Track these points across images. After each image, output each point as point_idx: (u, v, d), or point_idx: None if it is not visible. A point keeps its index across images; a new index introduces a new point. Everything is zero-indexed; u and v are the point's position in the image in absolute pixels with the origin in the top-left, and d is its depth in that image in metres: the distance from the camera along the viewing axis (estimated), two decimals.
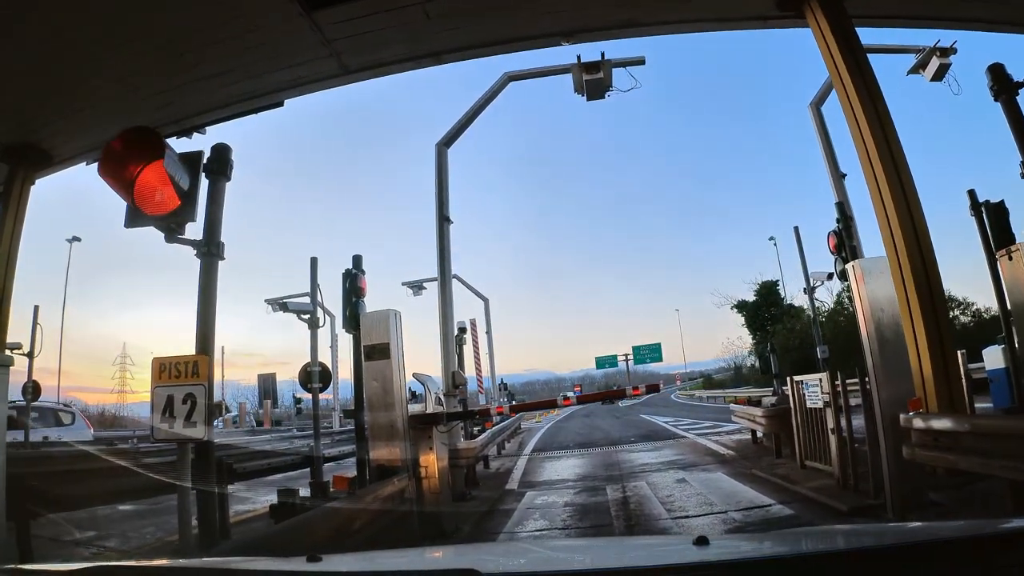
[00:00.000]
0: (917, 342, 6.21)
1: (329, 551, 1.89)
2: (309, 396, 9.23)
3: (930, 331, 6.34)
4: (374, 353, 5.64)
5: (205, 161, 4.22)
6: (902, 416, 4.88)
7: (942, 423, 4.33)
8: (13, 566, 1.71)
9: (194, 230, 4.17)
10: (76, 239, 25.49)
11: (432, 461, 5.93)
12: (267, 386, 40.67)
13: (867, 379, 5.85)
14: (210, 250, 3.96)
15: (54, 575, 1.93)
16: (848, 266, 5.71)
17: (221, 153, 4.21)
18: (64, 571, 1.68)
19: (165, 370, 3.32)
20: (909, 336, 5.80)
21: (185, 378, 3.30)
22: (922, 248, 6.65)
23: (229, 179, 4.24)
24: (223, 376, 35.99)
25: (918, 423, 4.62)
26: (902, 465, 5.14)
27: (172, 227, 3.86)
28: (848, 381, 6.58)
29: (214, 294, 3.91)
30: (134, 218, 3.89)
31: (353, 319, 6.19)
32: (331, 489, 4.00)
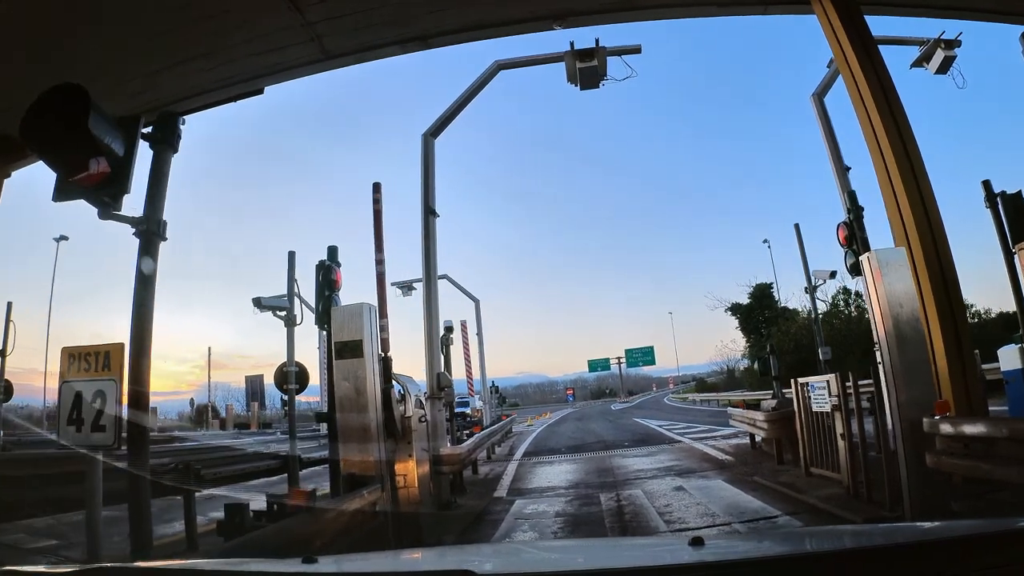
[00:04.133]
0: (932, 341, 5.81)
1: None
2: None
3: (946, 330, 5.94)
4: (346, 351, 5.12)
5: (151, 130, 3.73)
6: (926, 420, 4.44)
7: (975, 428, 3.88)
8: (11, 568, 1.69)
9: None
10: (63, 238, 24.84)
11: (411, 468, 5.43)
12: (255, 388, 39.92)
13: (881, 380, 5.44)
14: (150, 228, 3.46)
15: None
16: (863, 258, 5.28)
17: (167, 120, 3.72)
18: (63, 572, 1.68)
19: (75, 362, 2.81)
20: (924, 335, 5.41)
21: (95, 371, 2.78)
22: (937, 242, 6.26)
23: (176, 150, 3.76)
24: (209, 378, 35.34)
25: (946, 428, 4.18)
26: (923, 473, 4.71)
27: (105, 201, 3.36)
28: (858, 383, 6.17)
29: (154, 278, 3.41)
30: (63, 190, 3.40)
31: (325, 314, 5.69)
32: (288, 504, 3.51)
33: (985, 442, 3.81)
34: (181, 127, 3.84)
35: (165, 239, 3.51)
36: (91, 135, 3.12)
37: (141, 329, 3.27)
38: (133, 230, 3.66)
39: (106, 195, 3.34)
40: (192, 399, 37.02)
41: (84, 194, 3.37)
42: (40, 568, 1.97)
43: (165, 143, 3.67)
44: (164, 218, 3.56)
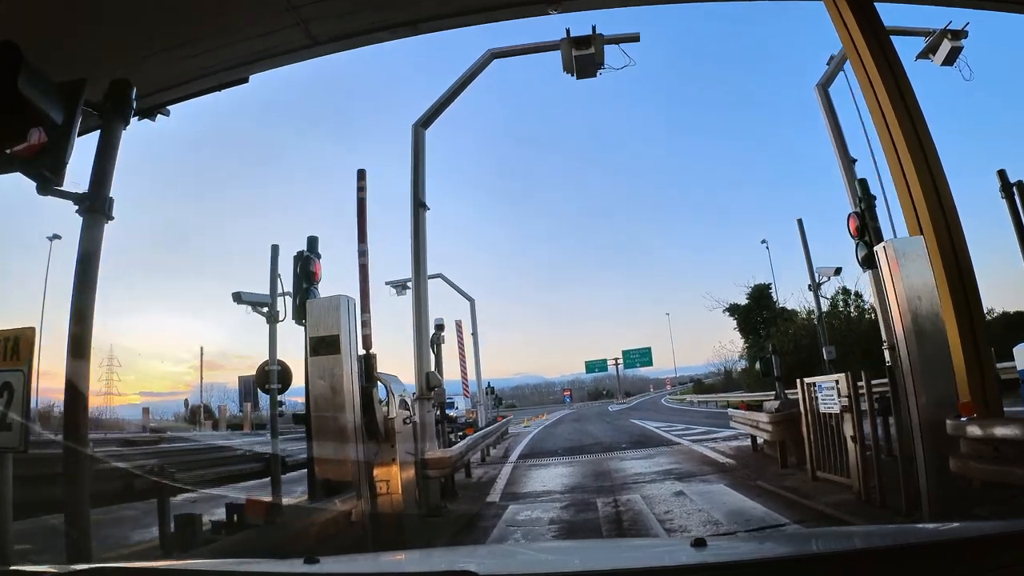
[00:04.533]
0: (947, 337, 5.48)
1: None
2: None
3: (963, 325, 5.60)
4: (321, 347, 4.75)
5: (101, 98, 3.37)
6: (949, 422, 4.11)
7: (1009, 431, 3.55)
8: (12, 568, 1.72)
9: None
10: (57, 237, 24.39)
11: (394, 473, 5.07)
12: (248, 388, 39.40)
13: (897, 380, 5.11)
14: (94, 206, 3.10)
15: None
16: (878, 248, 4.95)
17: (119, 89, 3.36)
18: (64, 572, 1.71)
19: None
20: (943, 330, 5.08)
21: (1, 360, 2.41)
22: (952, 233, 5.93)
23: (128, 122, 3.40)
24: (201, 378, 34.89)
25: (973, 430, 3.84)
26: (944, 478, 4.38)
27: (44, 174, 3.00)
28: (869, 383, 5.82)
29: (97, 263, 3.06)
30: None
31: (303, 308, 5.32)
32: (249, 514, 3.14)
33: (1019, 446, 3.47)
34: (134, 97, 3.47)
35: (112, 218, 3.15)
36: (23, 98, 2.76)
37: (82, 317, 2.90)
38: (99, 212, 3.32)
39: (45, 168, 2.98)
40: (187, 400, 36.57)
41: (21, 166, 3.02)
42: (40, 568, 1.97)
43: (115, 113, 3.31)
44: (112, 195, 3.20)
